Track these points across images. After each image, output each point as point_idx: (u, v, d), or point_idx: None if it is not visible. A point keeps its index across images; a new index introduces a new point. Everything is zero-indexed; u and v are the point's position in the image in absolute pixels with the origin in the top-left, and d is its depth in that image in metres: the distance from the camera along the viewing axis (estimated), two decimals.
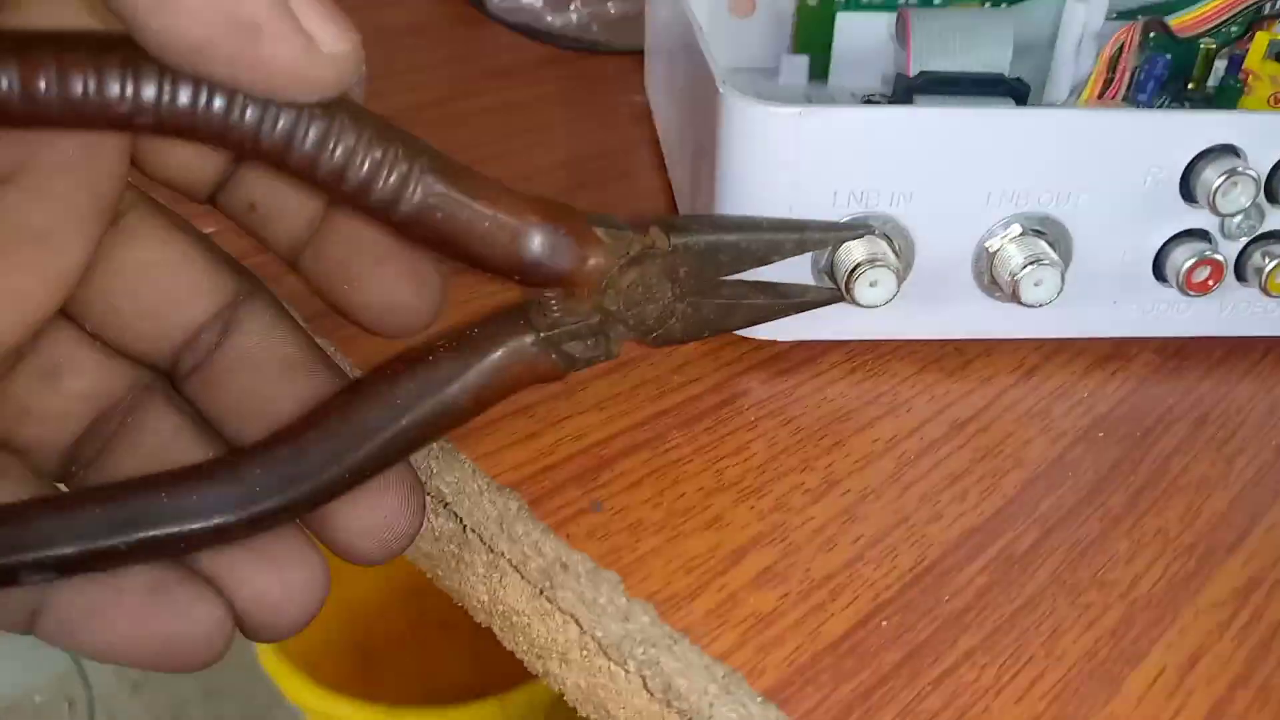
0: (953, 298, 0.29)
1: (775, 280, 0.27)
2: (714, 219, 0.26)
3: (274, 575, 0.21)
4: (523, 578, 0.24)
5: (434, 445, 0.26)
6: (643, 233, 0.24)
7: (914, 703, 0.20)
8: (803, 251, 0.26)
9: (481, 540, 0.25)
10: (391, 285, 0.24)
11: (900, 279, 0.27)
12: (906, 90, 0.33)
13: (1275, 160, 0.28)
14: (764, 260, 0.26)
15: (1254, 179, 0.27)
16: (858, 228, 0.27)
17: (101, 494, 0.20)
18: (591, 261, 0.23)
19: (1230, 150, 0.27)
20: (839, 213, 0.27)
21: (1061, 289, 0.27)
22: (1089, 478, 0.26)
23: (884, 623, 0.22)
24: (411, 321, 0.24)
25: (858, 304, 0.27)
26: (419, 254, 0.24)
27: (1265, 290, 0.29)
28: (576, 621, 0.23)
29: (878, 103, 0.37)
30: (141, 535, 0.20)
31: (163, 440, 0.23)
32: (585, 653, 0.23)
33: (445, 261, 0.23)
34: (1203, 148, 0.27)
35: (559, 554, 0.23)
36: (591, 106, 0.47)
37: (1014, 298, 0.28)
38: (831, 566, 0.23)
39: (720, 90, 0.26)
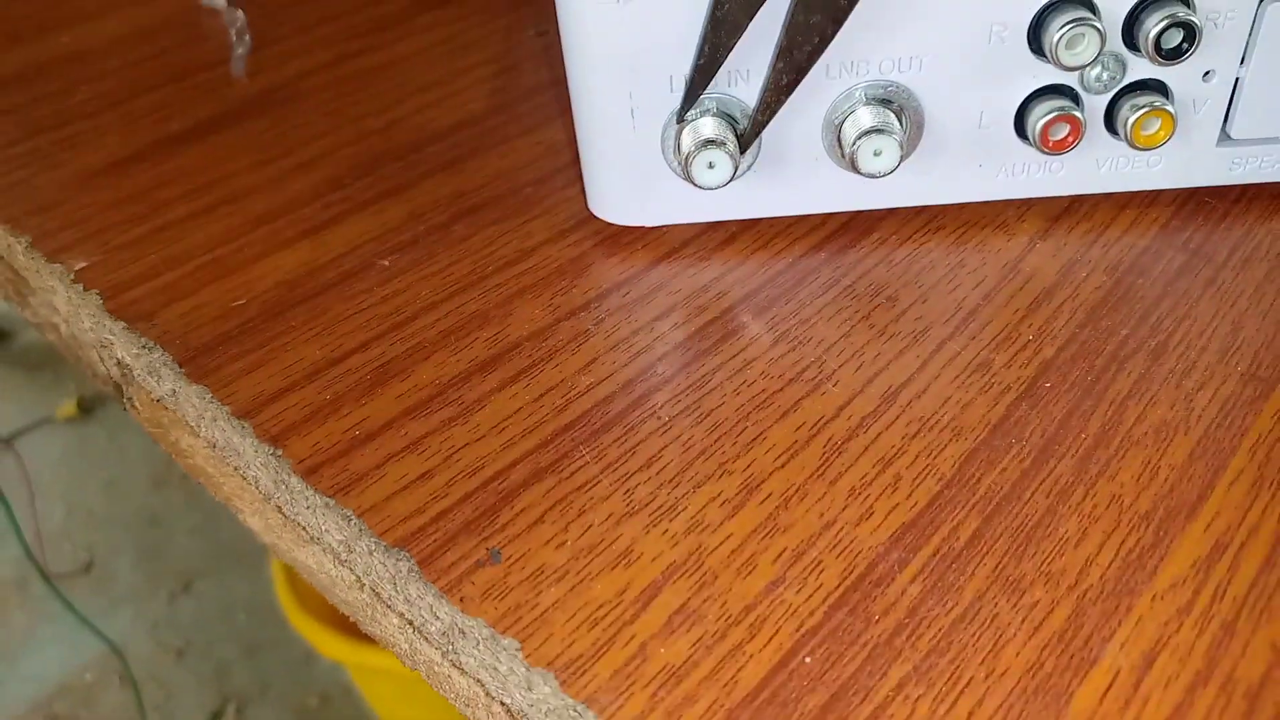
0: (809, 173, 0.29)
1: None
2: None
3: None
4: (426, 640, 0.22)
5: (316, 500, 0.24)
6: None
7: None
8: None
9: (380, 599, 0.23)
10: None
11: (737, 162, 0.27)
12: None
13: (1130, 6, 0.26)
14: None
15: (1098, 30, 0.25)
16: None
17: None
18: None
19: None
20: (677, 98, 0.27)
21: (903, 157, 0.27)
22: (1035, 441, 0.24)
23: (807, 659, 0.20)
24: None
25: (696, 185, 0.27)
26: None
27: (1132, 143, 0.27)
28: (483, 686, 0.21)
29: None
30: None
31: None
32: (501, 711, 0.22)
33: None
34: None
35: (455, 620, 0.21)
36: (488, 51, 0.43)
37: (855, 169, 0.27)
38: (751, 594, 0.21)
39: None
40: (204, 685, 1.13)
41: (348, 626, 0.86)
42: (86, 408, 1.40)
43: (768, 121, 0.26)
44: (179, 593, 1.21)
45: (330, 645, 0.87)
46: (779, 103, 0.26)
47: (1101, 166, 0.29)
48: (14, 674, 1.15)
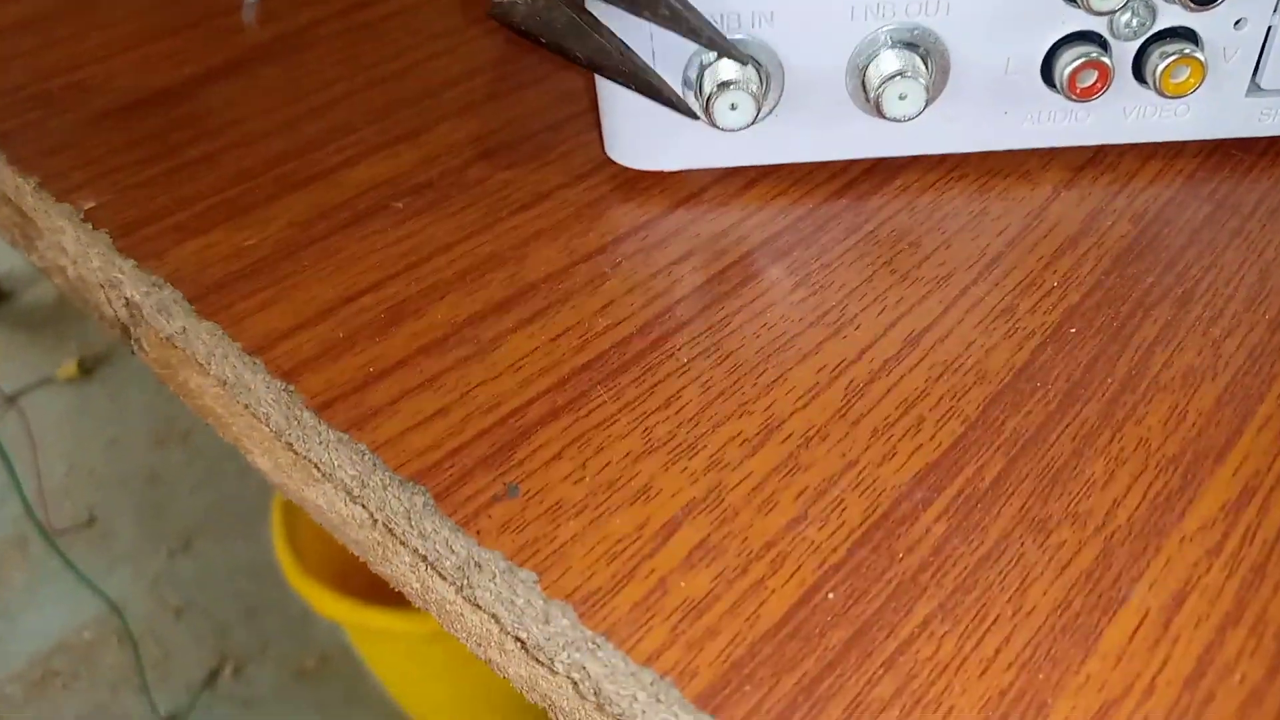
0: (834, 118, 0.28)
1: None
2: None
3: None
4: (440, 575, 0.22)
5: (329, 435, 0.23)
6: None
7: (865, 691, 0.18)
8: (677, 29, 0.25)
9: (393, 535, 0.23)
10: None
11: (760, 104, 0.26)
12: None
13: None
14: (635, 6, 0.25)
15: None
16: (738, 50, 0.26)
17: None
18: None
19: None
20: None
21: (929, 101, 0.26)
22: (1060, 385, 0.23)
23: (830, 595, 0.20)
24: None
25: (717, 126, 0.26)
26: None
27: (1160, 91, 0.27)
28: (498, 621, 0.21)
29: None
30: None
31: None
32: (516, 648, 0.21)
33: None
34: None
35: (471, 553, 0.21)
36: None
37: (879, 113, 0.26)
38: (772, 531, 0.21)
39: None
40: (202, 644, 1.14)
41: (347, 587, 0.86)
42: (87, 368, 1.40)
43: (730, 49, 0.26)
44: (178, 552, 1.22)
45: (329, 605, 0.87)
46: (704, 31, 0.26)
47: (1128, 115, 0.29)
48: (13, 631, 1.15)
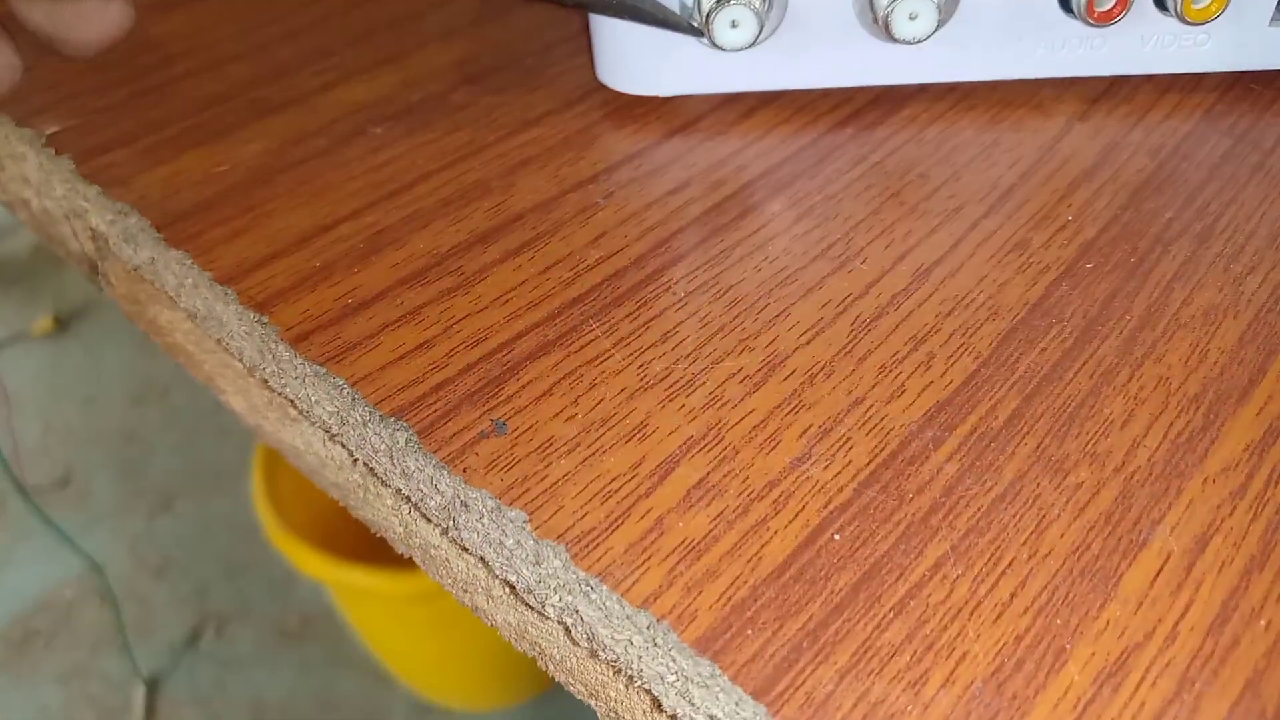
0: (840, 41, 0.27)
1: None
2: None
3: None
4: (425, 517, 0.21)
5: (305, 369, 0.22)
6: None
7: (873, 636, 0.17)
8: None
9: (375, 475, 0.22)
10: None
11: (763, 21, 0.25)
12: None
13: None
14: None
15: None
16: None
17: None
18: None
19: None
20: None
21: (940, 23, 0.25)
22: (1077, 322, 0.22)
23: (836, 536, 0.19)
24: None
25: (717, 46, 0.25)
26: None
27: (1182, 17, 0.26)
28: (485, 564, 0.20)
29: None
30: None
31: None
32: (504, 593, 0.20)
33: None
34: None
35: (457, 492, 0.20)
36: None
37: (888, 34, 0.25)
38: (774, 470, 0.20)
39: None
40: (184, 604, 1.12)
41: (330, 546, 0.84)
42: (63, 323, 1.37)
43: None
44: (159, 510, 1.20)
45: (311, 564, 0.86)
46: None
47: (1146, 44, 0.27)
48: None
